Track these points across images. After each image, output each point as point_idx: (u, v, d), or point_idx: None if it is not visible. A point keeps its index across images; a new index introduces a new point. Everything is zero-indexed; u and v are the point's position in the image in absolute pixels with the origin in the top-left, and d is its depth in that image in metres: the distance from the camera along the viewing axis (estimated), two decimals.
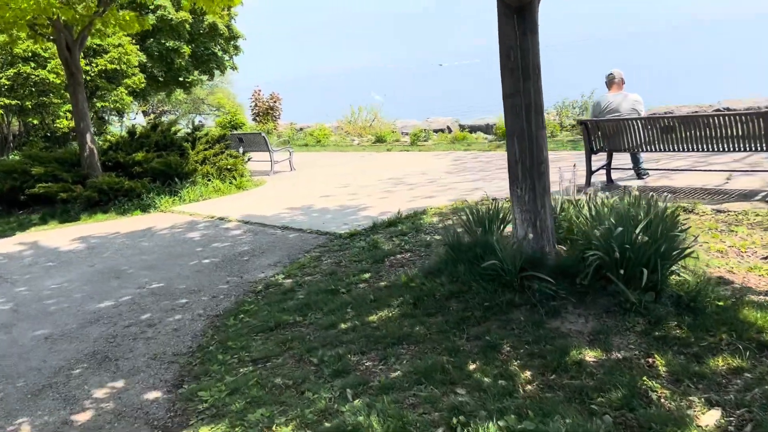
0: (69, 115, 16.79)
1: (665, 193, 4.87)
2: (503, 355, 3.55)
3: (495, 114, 22.44)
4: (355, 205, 8.90)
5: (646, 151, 7.37)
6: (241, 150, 13.18)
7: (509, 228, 5.12)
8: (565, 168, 5.94)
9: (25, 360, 4.72)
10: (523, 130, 4.19)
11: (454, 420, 2.94)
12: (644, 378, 3.13)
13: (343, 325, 4.40)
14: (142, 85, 19.26)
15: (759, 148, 6.47)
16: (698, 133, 6.75)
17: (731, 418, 2.78)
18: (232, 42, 28.40)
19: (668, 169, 8.48)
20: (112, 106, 18.68)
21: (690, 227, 4.83)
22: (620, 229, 3.78)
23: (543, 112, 4.25)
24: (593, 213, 4.35)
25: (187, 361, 4.35)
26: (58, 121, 17.66)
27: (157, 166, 11.64)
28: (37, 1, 9.13)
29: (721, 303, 3.74)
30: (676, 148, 7.02)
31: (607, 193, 5.56)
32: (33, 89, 16.16)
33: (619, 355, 3.42)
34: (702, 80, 32.29)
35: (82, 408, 3.86)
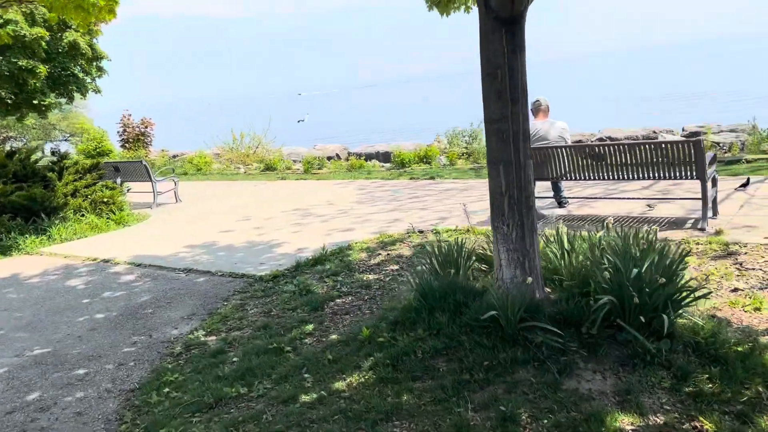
0: None
1: (610, 222, 4.58)
2: (526, 429, 2.95)
3: (370, 141, 22.14)
4: (266, 241, 8.01)
5: (572, 179, 7.21)
6: (119, 180, 11.74)
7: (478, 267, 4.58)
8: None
9: None
10: (510, 160, 3.68)
11: None
12: None
13: (305, 397, 3.59)
14: None
15: (687, 176, 6.47)
16: (630, 160, 6.67)
17: None
18: (95, 63, 26.23)
19: (585, 198, 8.43)
20: None
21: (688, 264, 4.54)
22: (636, 270, 3.35)
23: (530, 138, 3.77)
24: (583, 250, 3.91)
25: None
26: None
27: (18, 200, 9.99)
28: None
29: (740, 348, 3.40)
30: (604, 176, 6.90)
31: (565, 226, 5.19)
32: None
33: (658, 419, 2.94)
34: (583, 110, 34.24)
35: None
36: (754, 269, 4.99)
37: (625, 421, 2.95)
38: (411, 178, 12.09)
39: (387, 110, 66.61)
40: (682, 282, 3.60)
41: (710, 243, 5.80)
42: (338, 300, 5.40)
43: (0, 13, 17.13)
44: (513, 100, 3.60)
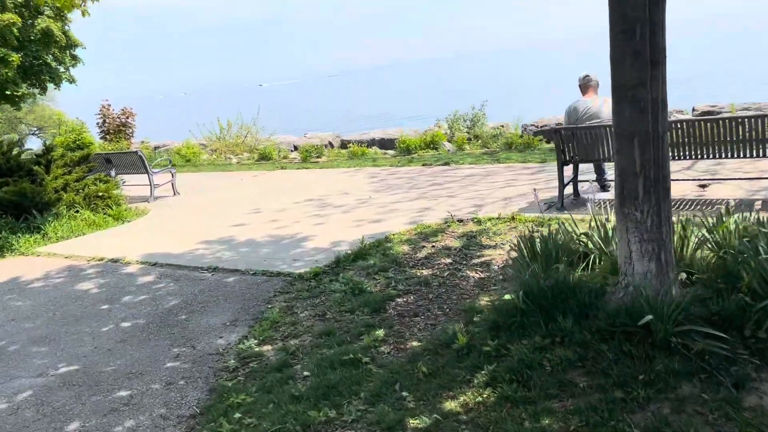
0: None
1: (731, 205, 4.08)
2: None
3: (350, 131, 21.40)
4: (289, 234, 7.38)
5: None
6: (113, 173, 10.94)
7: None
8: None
9: None
10: (648, 132, 3.12)
11: None
12: None
13: (415, 422, 3.01)
14: None
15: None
16: (703, 138, 6.18)
17: None
18: (68, 51, 25.05)
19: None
20: None
21: None
22: None
23: (665, 108, 3.21)
24: (699, 238, 3.38)
25: None
26: None
27: (6, 197, 9.19)
28: None
29: None
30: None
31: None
32: None
33: None
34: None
35: None
36: None
37: None
38: (423, 165, 11.51)
39: (355, 99, 65.72)
40: None
41: None
42: (399, 300, 4.82)
43: None
44: (653, 62, 3.05)
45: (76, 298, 5.87)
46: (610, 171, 7.72)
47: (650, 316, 2.91)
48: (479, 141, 13.54)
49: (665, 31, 3.11)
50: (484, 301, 4.51)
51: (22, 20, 21.48)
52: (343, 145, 16.97)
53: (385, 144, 16.18)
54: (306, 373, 3.76)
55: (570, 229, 4.21)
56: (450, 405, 3.10)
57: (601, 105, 6.85)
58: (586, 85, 7.00)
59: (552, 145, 12.25)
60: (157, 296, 5.63)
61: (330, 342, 4.17)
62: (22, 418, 3.69)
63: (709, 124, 6.23)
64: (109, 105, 21.39)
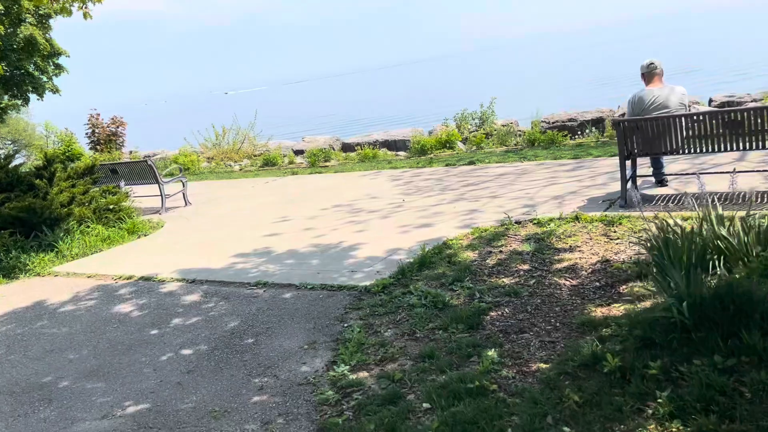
0: None
1: None
2: None
3: (354, 132, 20.83)
4: (333, 243, 6.88)
5: (694, 152, 6.32)
6: (122, 184, 10.32)
7: None
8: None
9: None
10: None
11: None
12: None
13: None
14: None
15: None
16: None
17: None
18: (51, 59, 24.20)
19: (680, 174, 7.53)
20: None
21: None
22: None
23: None
24: None
25: None
26: None
27: (13, 213, 8.56)
28: None
29: None
30: (737, 146, 6.02)
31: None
32: None
33: None
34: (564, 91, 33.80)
35: None
36: None
37: None
38: (447, 165, 11.06)
39: (328, 104, 65.16)
40: None
41: None
42: (492, 314, 4.37)
43: None
44: None
45: (117, 322, 5.32)
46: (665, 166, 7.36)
47: None
48: (493, 139, 13.11)
49: None
50: (599, 312, 4.07)
51: (3, 28, 20.69)
52: (345, 148, 16.46)
53: (392, 145, 15.72)
54: (426, 405, 3.29)
55: (707, 226, 3.77)
56: None
57: (669, 94, 6.45)
58: (651, 74, 6.60)
59: (579, 140, 11.92)
60: (211, 318, 5.10)
61: (435, 366, 3.69)
62: None
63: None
64: (98, 114, 20.67)
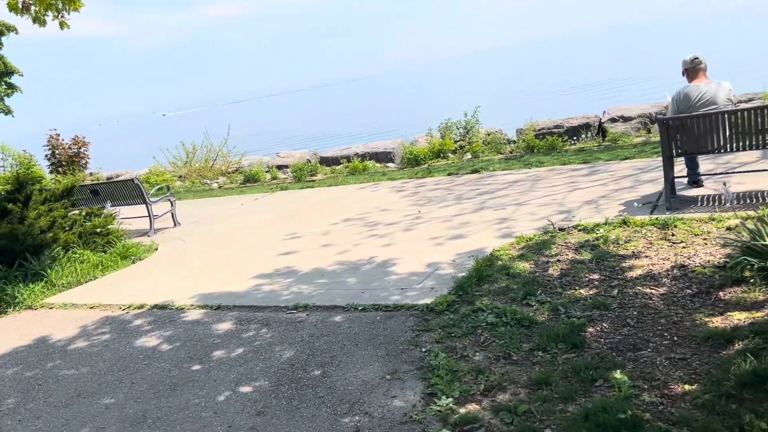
0: None
1: None
2: None
3: (331, 146, 20.36)
4: (361, 259, 6.37)
5: (742, 149, 6.09)
6: (109, 206, 9.54)
7: None
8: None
9: None
10: None
11: None
12: None
13: None
14: None
15: None
16: None
17: None
18: (3, 79, 22.96)
19: (714, 174, 7.26)
20: None
21: None
22: None
23: None
24: None
25: None
26: None
27: None
28: None
29: None
30: None
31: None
32: None
33: None
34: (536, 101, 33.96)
35: None
36: None
37: None
38: (449, 174, 10.68)
39: (263, 124, 64.44)
40: None
41: None
42: (590, 330, 3.95)
43: None
44: None
45: (146, 358, 4.68)
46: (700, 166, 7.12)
47: None
48: (489, 146, 12.82)
49: None
50: (717, 322, 3.70)
51: None
52: (323, 161, 15.92)
53: (375, 157, 15.26)
54: None
55: None
56: None
57: (717, 90, 6.21)
58: (695, 69, 6.34)
59: (580, 145, 11.71)
60: (258, 348, 4.52)
61: (557, 393, 3.24)
62: None
63: None
64: (58, 135, 19.56)
